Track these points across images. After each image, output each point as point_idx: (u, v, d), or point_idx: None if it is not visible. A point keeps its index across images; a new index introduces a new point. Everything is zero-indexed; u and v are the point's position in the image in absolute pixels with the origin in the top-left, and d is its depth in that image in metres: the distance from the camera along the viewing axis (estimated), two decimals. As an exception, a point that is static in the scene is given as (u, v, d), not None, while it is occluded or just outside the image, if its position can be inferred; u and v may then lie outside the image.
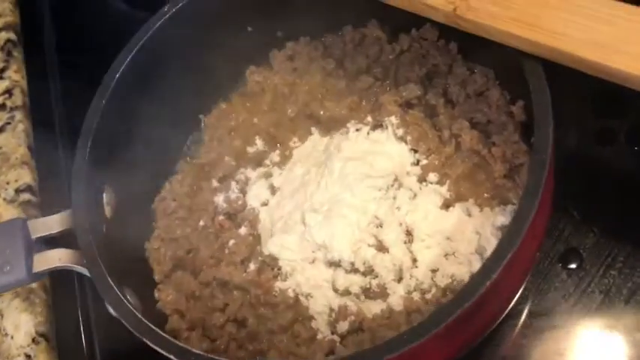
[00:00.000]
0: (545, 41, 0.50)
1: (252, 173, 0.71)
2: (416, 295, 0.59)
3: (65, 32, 0.95)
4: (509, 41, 0.52)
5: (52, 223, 0.59)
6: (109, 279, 0.55)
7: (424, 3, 0.54)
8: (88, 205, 0.60)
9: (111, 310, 0.55)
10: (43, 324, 0.72)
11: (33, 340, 0.71)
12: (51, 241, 0.60)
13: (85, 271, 0.57)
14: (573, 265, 0.64)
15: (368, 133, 0.67)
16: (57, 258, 0.58)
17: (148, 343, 0.50)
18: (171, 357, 0.49)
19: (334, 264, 0.62)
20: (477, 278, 0.47)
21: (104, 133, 0.64)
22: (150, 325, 0.51)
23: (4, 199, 0.81)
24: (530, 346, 0.61)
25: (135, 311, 0.52)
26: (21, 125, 0.87)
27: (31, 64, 0.93)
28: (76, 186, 0.60)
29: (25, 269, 0.56)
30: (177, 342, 0.51)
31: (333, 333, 0.60)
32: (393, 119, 0.66)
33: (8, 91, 0.89)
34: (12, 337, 0.72)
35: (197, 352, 0.50)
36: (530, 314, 0.62)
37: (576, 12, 0.50)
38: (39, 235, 0.59)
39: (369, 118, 0.68)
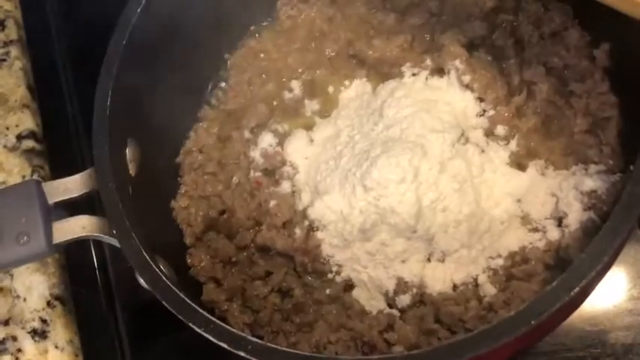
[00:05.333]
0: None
1: (289, 124, 0.63)
2: (482, 263, 0.53)
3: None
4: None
5: (72, 186, 0.51)
6: (144, 252, 0.48)
7: None
8: (112, 163, 0.52)
9: (145, 285, 0.49)
10: (57, 286, 0.67)
11: (48, 303, 0.65)
12: (70, 206, 0.53)
13: (113, 242, 0.50)
14: None
15: (427, 79, 0.59)
16: (80, 226, 0.50)
17: (193, 326, 0.44)
18: (224, 345, 0.43)
19: (393, 229, 0.55)
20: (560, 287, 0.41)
21: (124, 78, 0.56)
22: (197, 308, 0.45)
23: (5, 147, 0.74)
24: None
25: (179, 292, 0.46)
26: (18, 62, 0.79)
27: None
28: (97, 141, 0.52)
29: (45, 240, 0.49)
30: (226, 326, 0.44)
31: (391, 307, 0.54)
32: (458, 63, 0.58)
33: (0, 23, 0.80)
34: (24, 300, 0.66)
35: (250, 338, 0.43)
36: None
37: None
38: (57, 200, 0.51)
39: (428, 61, 0.60)
